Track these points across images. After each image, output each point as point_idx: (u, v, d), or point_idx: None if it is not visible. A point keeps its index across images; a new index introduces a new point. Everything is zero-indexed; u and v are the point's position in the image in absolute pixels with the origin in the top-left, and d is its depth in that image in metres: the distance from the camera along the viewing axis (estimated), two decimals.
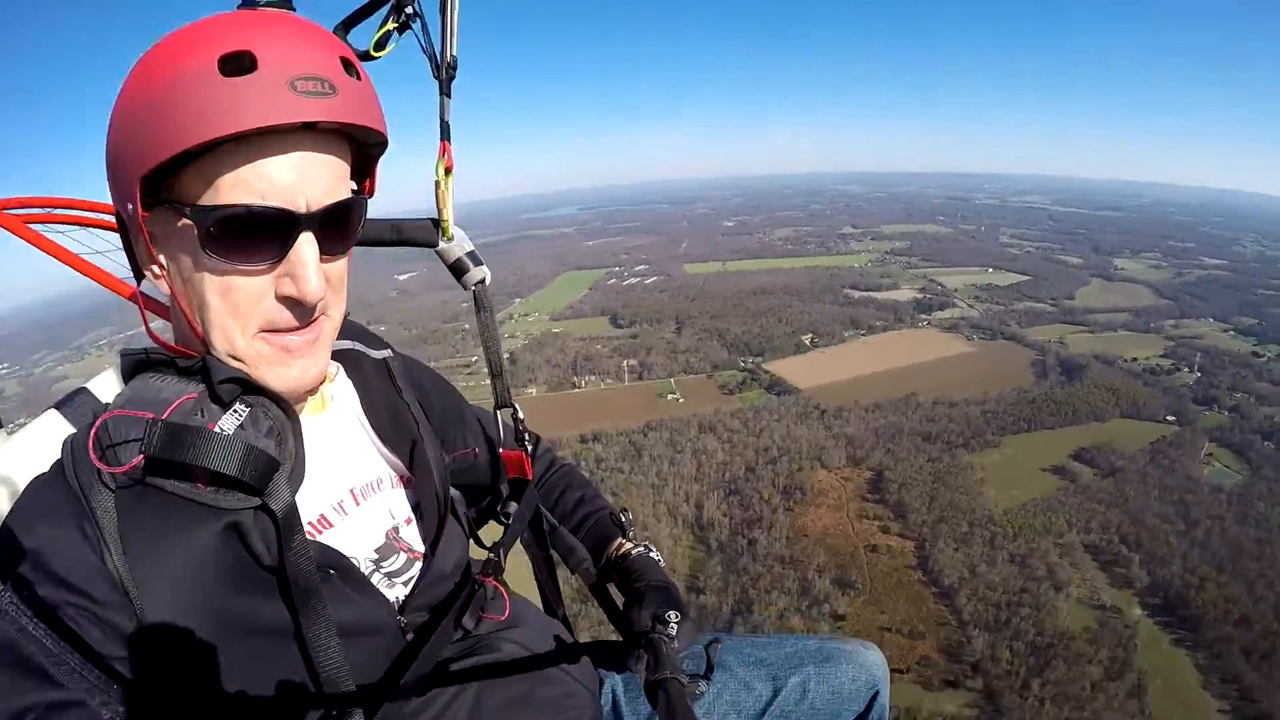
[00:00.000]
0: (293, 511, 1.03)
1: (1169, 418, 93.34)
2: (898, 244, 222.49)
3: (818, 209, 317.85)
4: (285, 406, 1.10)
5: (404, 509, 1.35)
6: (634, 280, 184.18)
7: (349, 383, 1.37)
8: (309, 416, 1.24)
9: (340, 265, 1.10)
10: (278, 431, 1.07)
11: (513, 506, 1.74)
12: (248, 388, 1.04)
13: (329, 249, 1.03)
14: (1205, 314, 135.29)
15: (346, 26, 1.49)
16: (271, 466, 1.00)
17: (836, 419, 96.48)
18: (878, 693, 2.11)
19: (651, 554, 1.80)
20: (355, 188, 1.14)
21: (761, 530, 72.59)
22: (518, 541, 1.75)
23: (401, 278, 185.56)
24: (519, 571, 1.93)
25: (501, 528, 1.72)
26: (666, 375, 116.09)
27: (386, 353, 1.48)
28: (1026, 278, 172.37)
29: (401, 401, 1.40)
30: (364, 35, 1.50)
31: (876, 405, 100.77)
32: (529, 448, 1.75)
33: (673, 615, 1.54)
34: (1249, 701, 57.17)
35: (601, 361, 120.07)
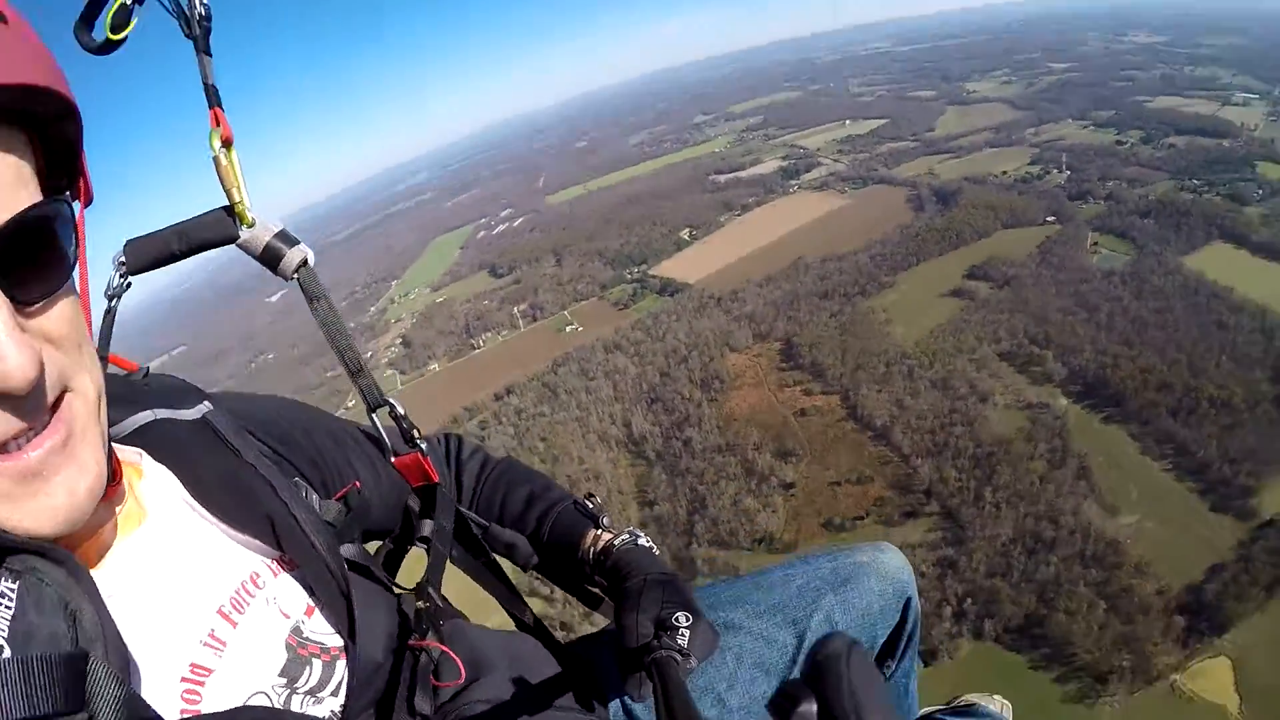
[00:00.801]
0: (136, 705, 0.79)
1: (1049, 219, 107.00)
2: (752, 120, 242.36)
3: (665, 106, 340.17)
4: (61, 557, 0.80)
5: (299, 598, 1.21)
6: (503, 227, 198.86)
7: (162, 469, 1.15)
8: (124, 538, 1.02)
9: (63, 311, 0.81)
10: (66, 603, 0.77)
11: (429, 525, 1.65)
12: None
13: (25, 293, 0.76)
14: (1063, 116, 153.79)
15: (87, 20, 1.30)
16: (76, 669, 0.70)
17: (733, 302, 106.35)
18: (909, 599, 2.13)
19: (640, 541, 1.68)
20: (58, 193, 0.88)
21: (692, 428, 79.09)
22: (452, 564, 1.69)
23: (273, 299, 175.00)
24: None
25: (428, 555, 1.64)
26: (559, 309, 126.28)
27: (204, 406, 1.29)
28: (884, 121, 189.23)
29: (243, 464, 1.24)
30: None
31: (768, 278, 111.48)
32: (422, 446, 1.66)
33: (682, 618, 1.36)
34: (1186, 455, 68.95)
35: (493, 316, 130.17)
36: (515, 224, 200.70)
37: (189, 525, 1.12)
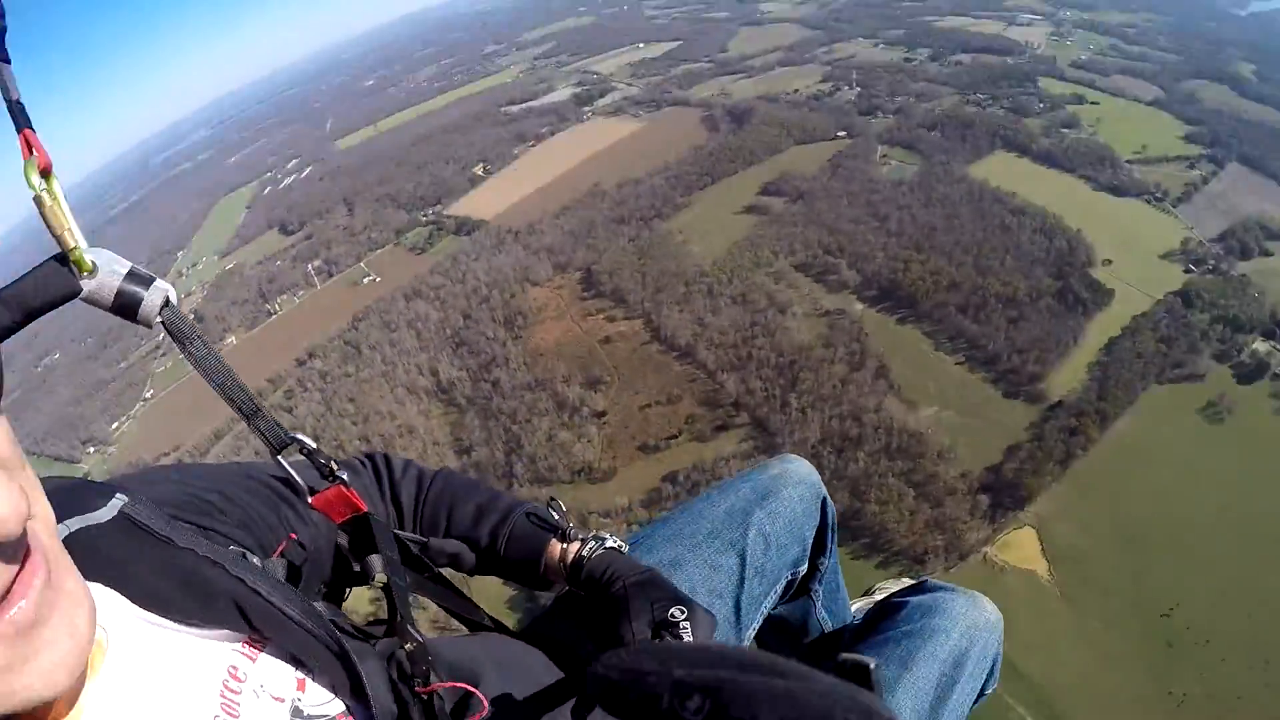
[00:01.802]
0: None
1: (840, 134, 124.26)
2: (544, 47, 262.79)
3: (455, 38, 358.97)
4: None
5: (286, 675, 1.30)
6: (290, 179, 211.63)
7: (101, 588, 1.16)
8: (91, 681, 1.04)
9: (3, 428, 0.84)
10: None
11: (375, 562, 1.82)
12: None
13: None
14: (854, 35, 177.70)
15: None
16: None
17: (531, 235, 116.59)
18: (824, 498, 3.03)
19: (608, 543, 2.02)
20: None
21: (500, 368, 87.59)
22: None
23: (38, 368, 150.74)
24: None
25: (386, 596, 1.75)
26: (355, 261, 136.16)
27: (117, 501, 1.30)
28: (678, 43, 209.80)
29: (181, 552, 1.28)
30: None
31: (565, 209, 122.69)
32: (343, 477, 1.77)
33: (677, 612, 1.66)
34: (978, 348, 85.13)
35: (286, 276, 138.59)
36: (303, 175, 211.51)
37: (152, 644, 1.14)
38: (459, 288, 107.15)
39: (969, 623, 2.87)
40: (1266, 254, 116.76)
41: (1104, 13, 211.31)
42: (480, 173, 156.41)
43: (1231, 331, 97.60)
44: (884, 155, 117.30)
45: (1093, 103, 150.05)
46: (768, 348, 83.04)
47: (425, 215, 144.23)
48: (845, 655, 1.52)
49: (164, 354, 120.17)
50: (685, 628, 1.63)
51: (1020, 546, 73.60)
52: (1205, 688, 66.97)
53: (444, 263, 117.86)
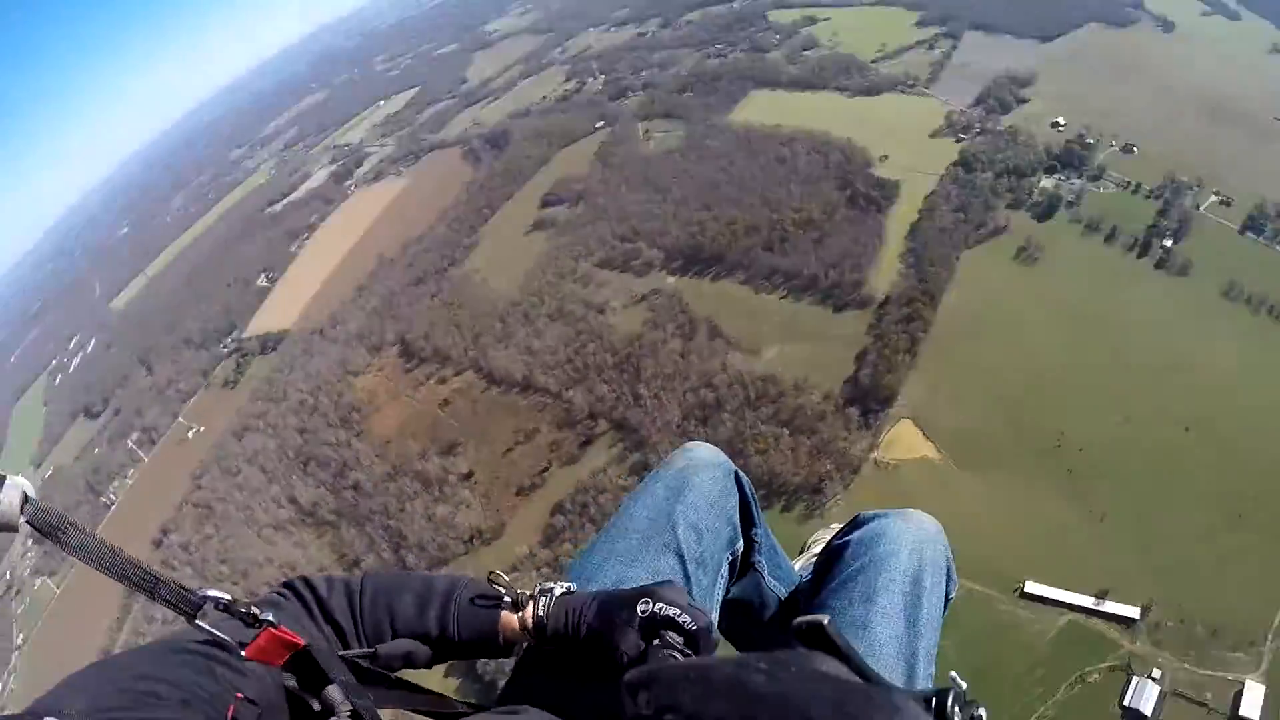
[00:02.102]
0: None
1: (599, 125, 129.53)
2: (288, 135, 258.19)
3: (197, 155, 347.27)
4: None
5: None
6: (77, 359, 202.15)
7: None
8: None
9: None
10: None
11: (334, 693, 1.77)
12: None
13: None
14: (583, 27, 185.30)
15: None
16: None
17: (336, 327, 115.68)
18: (736, 472, 3.34)
19: (557, 591, 2.22)
20: None
21: (354, 470, 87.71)
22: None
23: None
24: None
25: None
26: (173, 419, 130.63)
27: None
28: (417, 88, 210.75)
29: None
30: None
31: (360, 289, 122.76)
32: (269, 619, 1.78)
33: (644, 605, 1.94)
34: (795, 278, 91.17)
35: (110, 461, 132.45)
36: (89, 350, 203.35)
37: None
38: (284, 406, 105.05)
39: (912, 540, 3.20)
40: (1023, 101, 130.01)
41: None
42: (265, 283, 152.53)
43: (1017, 179, 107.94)
44: (646, 132, 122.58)
45: (825, 19, 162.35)
46: (600, 350, 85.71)
47: (225, 346, 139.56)
48: (799, 620, 1.66)
49: (17, 592, 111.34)
50: (664, 610, 1.94)
51: (904, 440, 79.03)
52: (1118, 496, 74.23)
53: (261, 387, 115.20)
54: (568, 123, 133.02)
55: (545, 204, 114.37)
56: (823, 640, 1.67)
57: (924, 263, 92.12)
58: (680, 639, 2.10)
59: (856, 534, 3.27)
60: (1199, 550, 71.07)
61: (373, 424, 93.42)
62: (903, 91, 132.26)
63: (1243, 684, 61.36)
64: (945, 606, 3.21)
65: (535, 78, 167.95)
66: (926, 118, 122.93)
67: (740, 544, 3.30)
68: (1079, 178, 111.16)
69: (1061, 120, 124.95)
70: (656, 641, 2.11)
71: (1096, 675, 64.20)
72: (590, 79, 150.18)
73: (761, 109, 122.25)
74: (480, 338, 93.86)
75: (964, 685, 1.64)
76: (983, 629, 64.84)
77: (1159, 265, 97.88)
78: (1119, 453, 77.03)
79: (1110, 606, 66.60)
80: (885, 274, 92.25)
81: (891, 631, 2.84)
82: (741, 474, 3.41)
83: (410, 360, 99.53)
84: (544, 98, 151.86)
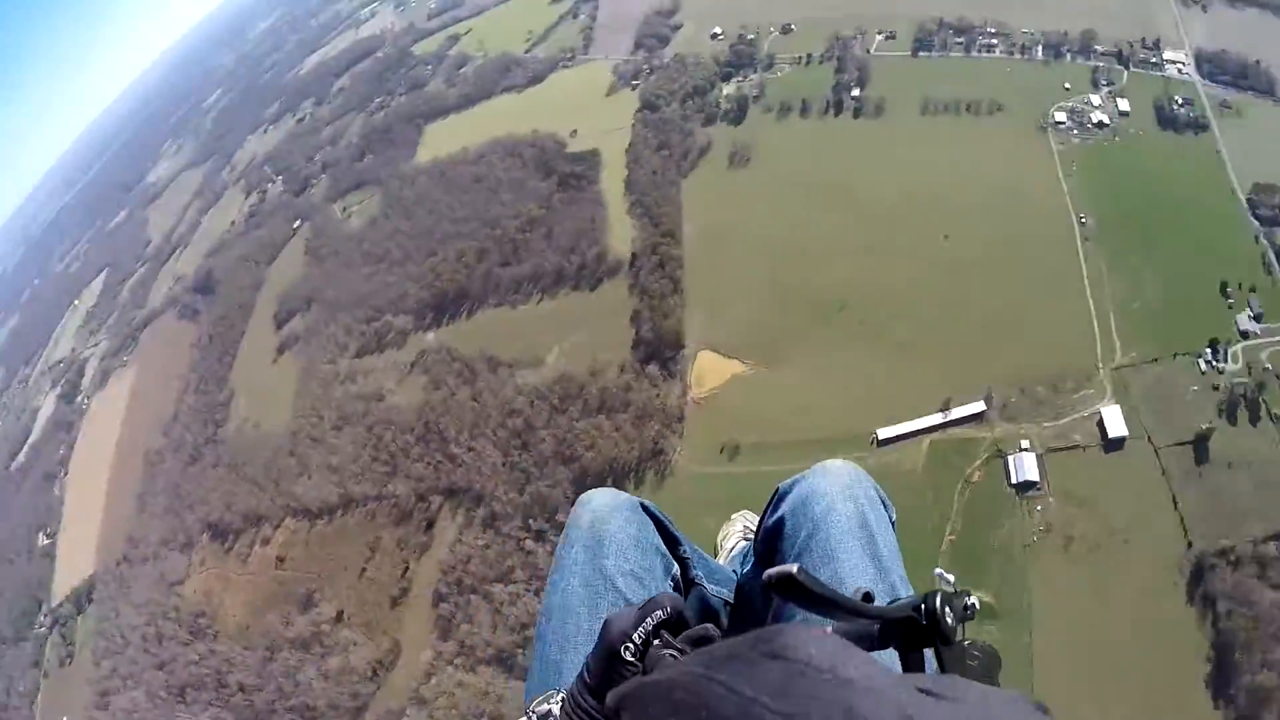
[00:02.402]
0: None
1: (296, 225, 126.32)
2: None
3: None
4: None
5: None
6: None
7: None
8: None
9: None
10: None
11: None
12: None
13: None
14: (242, 139, 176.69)
15: None
16: None
17: (136, 548, 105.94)
18: (639, 503, 3.70)
19: (555, 709, 2.53)
20: None
21: (230, 673, 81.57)
22: None
23: None
24: None
25: None
26: None
27: None
28: (106, 269, 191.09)
29: None
30: None
31: (140, 497, 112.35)
32: None
33: (649, 621, 2.32)
34: (541, 278, 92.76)
35: None
36: None
37: None
38: (130, 651, 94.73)
39: (840, 487, 3.39)
40: (677, 28, 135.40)
41: None
42: (46, 541, 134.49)
43: (701, 98, 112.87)
44: (344, 210, 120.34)
45: (466, 33, 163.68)
46: (397, 434, 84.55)
47: (42, 626, 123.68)
48: (770, 573, 1.81)
49: None
50: (651, 623, 2.28)
51: (710, 369, 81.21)
52: (913, 320, 78.25)
53: (98, 645, 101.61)
54: (265, 237, 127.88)
55: (279, 324, 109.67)
56: (795, 588, 1.86)
57: (651, 208, 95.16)
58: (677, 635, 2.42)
59: (786, 505, 3.42)
60: (1006, 324, 76.95)
61: (223, 620, 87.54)
62: (566, 66, 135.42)
63: (1100, 413, 69.65)
64: (894, 531, 3.44)
65: (215, 208, 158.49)
66: (597, 81, 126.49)
67: (675, 567, 3.53)
68: (755, 73, 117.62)
69: (718, 29, 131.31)
70: (656, 641, 2.37)
71: (977, 473, 69.02)
72: (269, 185, 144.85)
73: (442, 140, 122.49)
74: (280, 482, 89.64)
75: (950, 579, 1.70)
76: None
77: (857, 114, 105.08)
78: (894, 285, 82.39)
79: (957, 411, 72.28)
80: (621, 235, 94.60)
81: (866, 577, 3.01)
82: (647, 502, 3.64)
83: (225, 540, 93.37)
84: (232, 223, 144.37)
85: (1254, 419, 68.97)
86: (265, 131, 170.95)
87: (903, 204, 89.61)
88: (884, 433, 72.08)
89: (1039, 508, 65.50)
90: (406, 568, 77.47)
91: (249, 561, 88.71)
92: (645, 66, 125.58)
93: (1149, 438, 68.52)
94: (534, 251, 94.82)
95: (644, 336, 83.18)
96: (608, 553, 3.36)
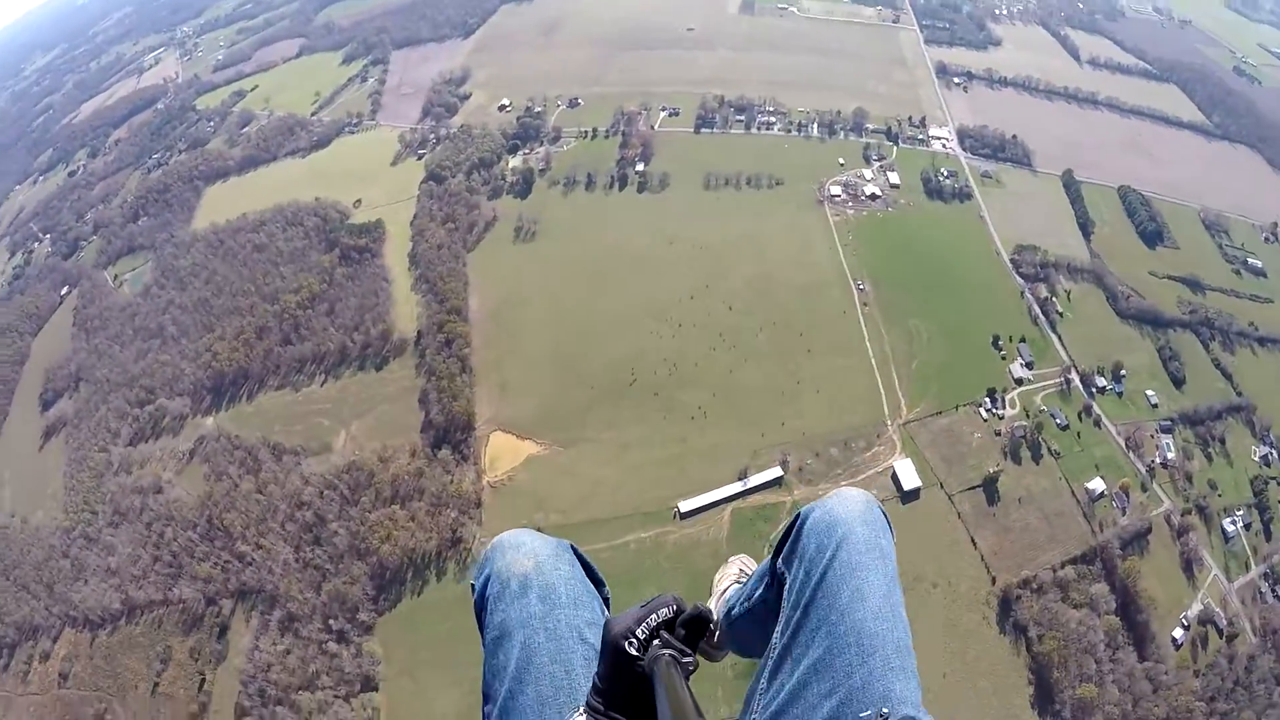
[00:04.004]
0: None
1: (64, 291, 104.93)
2: None
3: None
4: None
5: None
6: None
7: None
8: None
9: None
10: None
11: None
12: None
13: None
14: (7, 187, 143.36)
15: None
16: None
17: None
18: (570, 545, 3.59)
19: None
20: None
21: None
22: None
23: None
24: None
25: None
26: None
27: None
28: None
29: None
30: None
31: None
32: None
33: (651, 620, 2.59)
34: (322, 359, 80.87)
35: None
36: None
37: None
38: None
39: (857, 513, 3.32)
40: (465, 97, 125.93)
41: (214, 6, 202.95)
42: None
43: (487, 170, 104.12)
44: (116, 278, 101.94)
45: (254, 88, 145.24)
46: (178, 530, 71.51)
47: None
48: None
49: None
50: (653, 621, 2.59)
51: (504, 451, 72.65)
52: (703, 390, 74.45)
53: None
54: (29, 304, 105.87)
55: (45, 405, 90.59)
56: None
57: (436, 283, 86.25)
58: (679, 632, 2.68)
59: (808, 527, 3.35)
60: (794, 390, 74.70)
61: None
62: (351, 132, 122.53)
63: (893, 467, 68.98)
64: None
65: None
66: (383, 148, 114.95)
67: (606, 610, 3.50)
68: (541, 145, 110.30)
69: (507, 101, 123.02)
70: (656, 641, 2.62)
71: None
72: (36, 244, 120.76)
73: (222, 204, 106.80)
74: (54, 587, 72.93)
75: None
76: (671, 562, 63.77)
77: (641, 189, 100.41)
78: (683, 355, 78.14)
79: (755, 479, 69.04)
80: (406, 312, 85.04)
81: (881, 592, 3.06)
82: (573, 544, 3.56)
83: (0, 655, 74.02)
84: None
85: (1036, 457, 71.48)
86: (35, 182, 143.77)
87: (687, 275, 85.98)
88: (685, 505, 67.74)
89: None
90: (203, 680, 64.10)
91: (29, 679, 70.84)
92: (432, 135, 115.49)
93: (941, 485, 68.88)
94: (316, 329, 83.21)
95: (434, 419, 74.38)
96: (565, 602, 3.21)
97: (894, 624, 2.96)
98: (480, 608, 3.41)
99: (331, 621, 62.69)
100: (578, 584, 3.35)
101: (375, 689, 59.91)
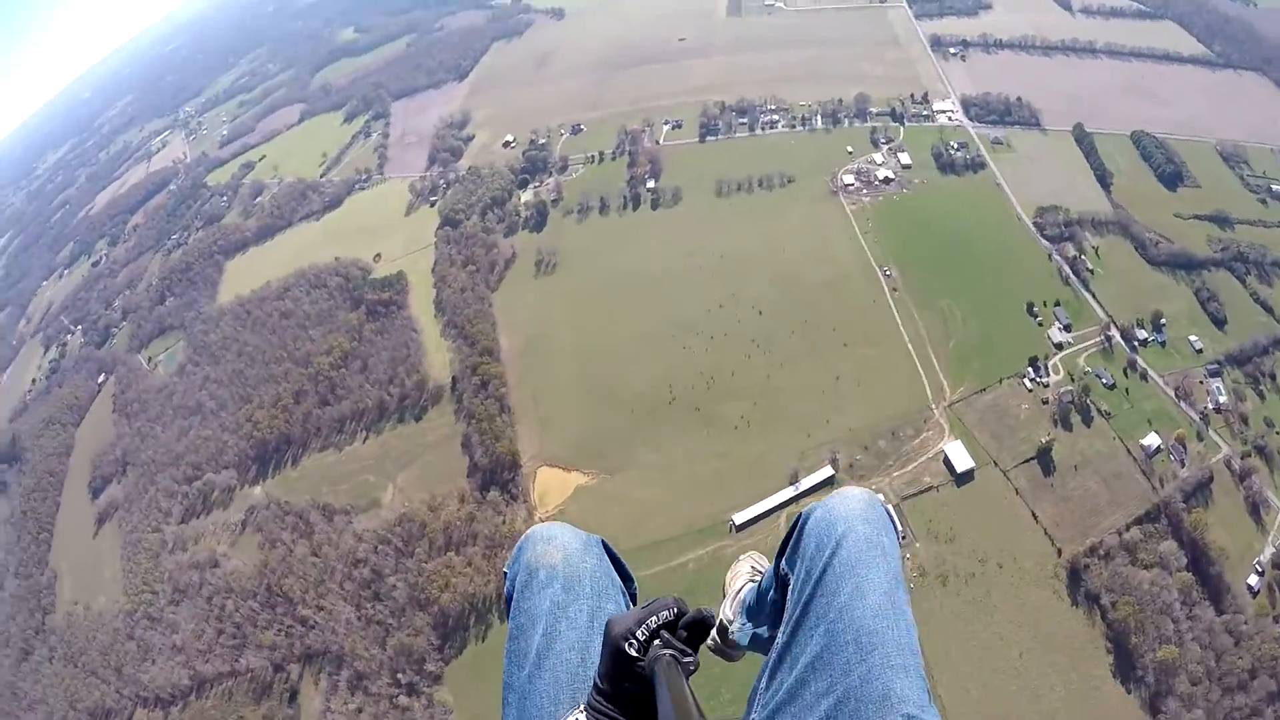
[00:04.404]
0: None
1: (100, 380, 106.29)
2: None
3: None
4: None
5: None
6: None
7: None
8: None
9: None
10: None
11: None
12: None
13: None
14: (35, 287, 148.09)
15: None
16: None
17: None
18: (601, 541, 3.59)
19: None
20: None
21: None
22: None
23: None
24: None
25: None
26: None
27: None
28: None
29: None
30: None
31: None
32: None
33: (651, 622, 2.56)
34: (364, 415, 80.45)
35: None
36: None
37: None
38: None
39: (857, 512, 3.24)
40: (469, 139, 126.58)
41: (212, 84, 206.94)
42: None
43: (500, 208, 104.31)
44: (150, 360, 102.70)
45: (261, 158, 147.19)
46: (238, 600, 71.93)
47: None
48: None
49: None
50: (653, 623, 2.57)
51: (552, 485, 71.83)
52: (743, 400, 73.71)
53: None
54: (69, 395, 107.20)
55: (95, 493, 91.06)
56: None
57: (465, 327, 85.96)
58: (680, 633, 2.67)
59: (809, 527, 3.32)
60: (835, 387, 73.42)
61: None
62: (362, 188, 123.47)
63: (944, 452, 67.53)
64: (899, 548, 3.39)
65: (11, 366, 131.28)
66: (395, 200, 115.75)
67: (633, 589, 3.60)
68: (550, 176, 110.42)
69: (510, 137, 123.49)
70: (656, 641, 2.60)
71: None
72: (68, 336, 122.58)
73: (244, 276, 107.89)
74: (122, 669, 72.61)
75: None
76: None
77: (655, 205, 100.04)
78: (718, 367, 77.07)
79: (806, 482, 67.80)
80: (439, 359, 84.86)
81: (881, 590, 2.97)
82: (604, 540, 3.59)
83: None
84: (33, 382, 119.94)
85: (1086, 420, 69.58)
86: (60, 276, 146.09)
87: (712, 286, 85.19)
88: (739, 517, 66.56)
89: (907, 555, 61.54)
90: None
91: None
92: (442, 181, 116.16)
93: (995, 463, 67.27)
94: (352, 387, 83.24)
95: (479, 462, 73.85)
96: (588, 593, 3.24)
97: (895, 622, 2.85)
98: (510, 596, 3.44)
99: (400, 675, 61.96)
100: (603, 576, 3.37)
101: None
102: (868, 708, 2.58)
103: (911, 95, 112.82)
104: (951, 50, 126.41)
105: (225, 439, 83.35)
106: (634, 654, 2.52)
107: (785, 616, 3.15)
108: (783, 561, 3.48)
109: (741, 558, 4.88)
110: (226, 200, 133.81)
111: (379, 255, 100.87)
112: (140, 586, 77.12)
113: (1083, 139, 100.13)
